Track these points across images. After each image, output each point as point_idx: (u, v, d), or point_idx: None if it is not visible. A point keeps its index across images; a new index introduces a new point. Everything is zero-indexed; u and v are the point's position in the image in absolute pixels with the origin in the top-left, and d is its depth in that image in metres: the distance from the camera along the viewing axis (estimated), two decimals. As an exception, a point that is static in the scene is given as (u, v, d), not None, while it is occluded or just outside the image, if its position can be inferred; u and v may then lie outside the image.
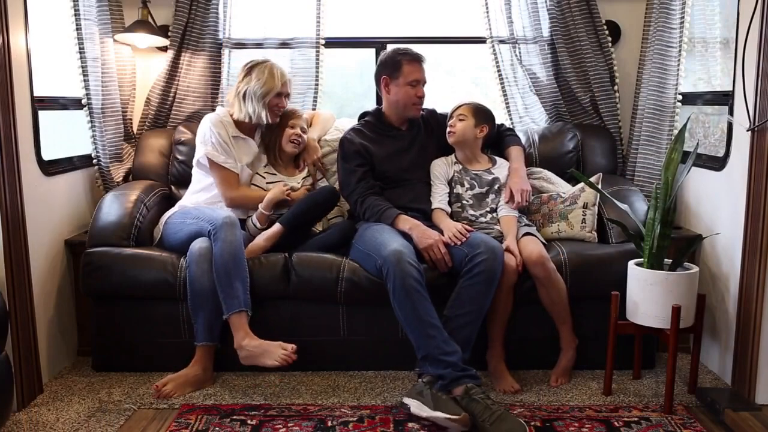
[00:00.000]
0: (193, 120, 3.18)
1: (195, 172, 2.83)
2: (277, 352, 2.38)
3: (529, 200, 2.74)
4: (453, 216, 2.69)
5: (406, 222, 2.57)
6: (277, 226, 2.64)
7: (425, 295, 2.32)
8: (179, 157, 3.04)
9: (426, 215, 2.68)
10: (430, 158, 2.82)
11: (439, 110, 2.94)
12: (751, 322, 2.35)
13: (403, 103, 2.75)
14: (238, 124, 2.82)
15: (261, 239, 2.63)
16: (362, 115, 2.92)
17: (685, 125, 2.42)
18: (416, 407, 2.23)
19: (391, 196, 2.71)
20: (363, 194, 2.68)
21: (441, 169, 2.77)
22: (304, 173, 2.89)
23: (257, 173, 2.85)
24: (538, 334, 2.62)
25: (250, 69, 2.77)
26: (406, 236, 2.52)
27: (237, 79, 2.82)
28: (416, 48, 2.83)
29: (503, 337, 2.53)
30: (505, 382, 2.50)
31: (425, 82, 2.76)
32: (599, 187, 2.69)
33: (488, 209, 2.72)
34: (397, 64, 2.72)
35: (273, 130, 2.86)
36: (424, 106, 2.89)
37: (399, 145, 2.80)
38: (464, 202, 2.72)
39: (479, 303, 2.38)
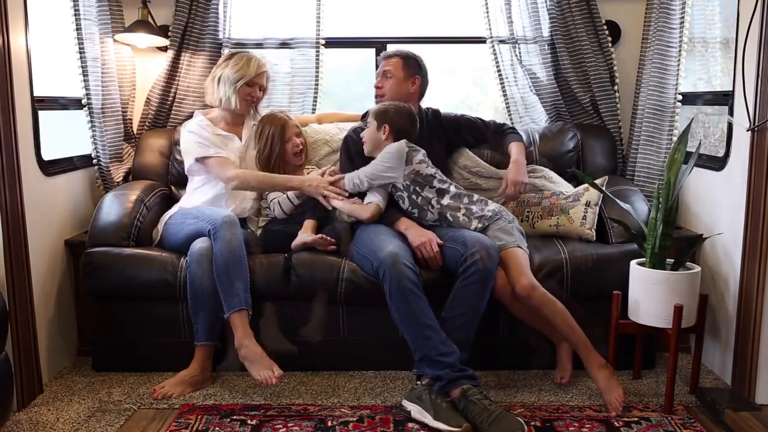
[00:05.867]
0: (193, 120, 3.18)
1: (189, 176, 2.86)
2: (265, 370, 2.35)
3: (523, 192, 2.74)
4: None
5: (403, 222, 2.57)
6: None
7: (422, 297, 2.32)
8: (179, 157, 3.03)
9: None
10: (434, 159, 2.82)
11: (443, 111, 2.95)
12: (751, 322, 2.35)
13: None
14: (217, 124, 2.86)
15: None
16: (365, 115, 2.92)
17: (689, 126, 2.42)
18: (417, 413, 2.23)
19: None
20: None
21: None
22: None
23: None
24: (538, 334, 2.62)
25: (230, 56, 2.84)
26: (402, 237, 2.52)
27: (216, 66, 2.87)
28: (416, 48, 2.84)
29: (557, 334, 2.49)
30: (558, 371, 2.54)
31: (386, 73, 2.80)
32: (604, 189, 2.68)
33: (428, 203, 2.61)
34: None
35: (272, 149, 2.81)
36: (428, 106, 2.90)
37: None
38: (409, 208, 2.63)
39: (474, 303, 2.37)
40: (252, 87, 2.81)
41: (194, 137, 2.76)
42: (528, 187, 2.78)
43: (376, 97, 2.83)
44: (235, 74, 2.77)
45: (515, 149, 2.84)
